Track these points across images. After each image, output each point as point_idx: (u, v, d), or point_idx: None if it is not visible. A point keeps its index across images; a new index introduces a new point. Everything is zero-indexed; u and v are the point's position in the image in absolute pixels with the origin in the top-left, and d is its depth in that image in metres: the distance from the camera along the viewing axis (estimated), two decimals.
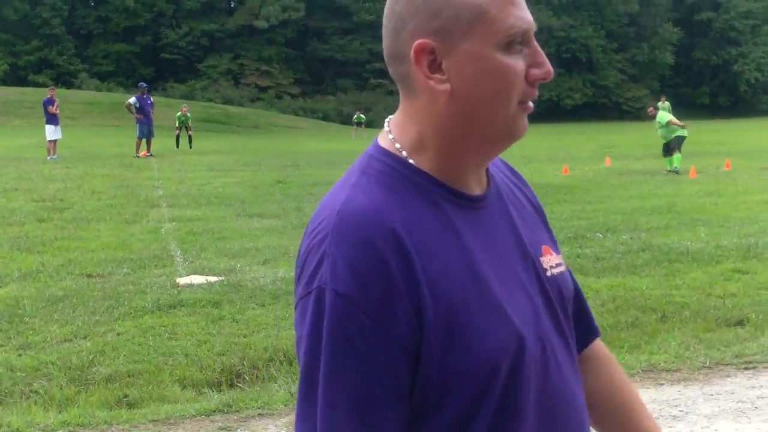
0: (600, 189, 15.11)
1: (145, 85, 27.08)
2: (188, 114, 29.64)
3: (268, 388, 4.99)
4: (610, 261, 8.36)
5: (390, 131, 1.25)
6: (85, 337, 5.96)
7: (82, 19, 67.63)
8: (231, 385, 5.11)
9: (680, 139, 18.58)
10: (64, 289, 7.32)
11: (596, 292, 7.12)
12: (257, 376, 5.22)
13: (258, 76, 68.05)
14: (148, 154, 23.30)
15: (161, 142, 26.74)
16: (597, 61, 77.53)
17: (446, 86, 1.16)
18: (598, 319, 6.00)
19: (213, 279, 7.69)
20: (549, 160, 23.30)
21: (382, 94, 66.42)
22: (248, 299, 6.97)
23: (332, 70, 72.62)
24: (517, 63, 1.15)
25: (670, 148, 18.62)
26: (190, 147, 27.73)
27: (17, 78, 60.43)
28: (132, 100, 24.95)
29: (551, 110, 74.81)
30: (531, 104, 1.20)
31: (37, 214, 11.76)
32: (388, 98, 65.49)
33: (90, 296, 7.08)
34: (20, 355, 5.55)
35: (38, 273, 8.00)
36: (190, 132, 29.06)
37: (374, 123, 62.91)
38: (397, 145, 1.22)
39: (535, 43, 1.17)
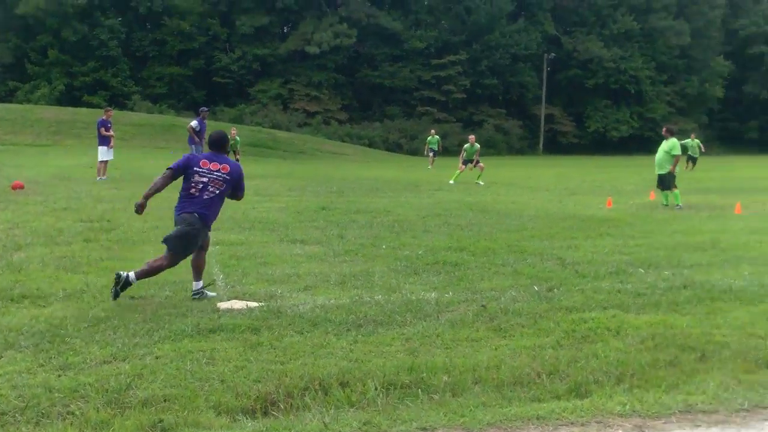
0: (644, 223, 14.98)
1: (206, 109, 27.51)
2: (237, 138, 29.99)
3: (301, 417, 5.02)
4: (651, 297, 8.28)
5: None
6: (124, 360, 6.05)
7: (138, 41, 68.72)
8: (265, 413, 5.15)
9: (673, 177, 18.33)
10: (106, 311, 7.45)
11: (636, 329, 7.05)
12: (292, 405, 5.25)
13: (307, 101, 68.55)
14: None
15: None
16: (645, 93, 76.96)
17: None
18: (637, 356, 5.99)
19: (253, 304, 7.76)
20: (593, 192, 23.18)
21: (428, 122, 66.56)
22: (287, 326, 7.02)
23: (380, 97, 72.92)
24: None
25: (665, 182, 18.37)
26: None
27: (72, 98, 61.52)
28: (194, 123, 25.29)
29: (597, 142, 74.48)
30: None
31: (84, 235, 11.97)
32: (434, 126, 65.64)
33: (131, 318, 7.19)
34: (59, 376, 5.65)
35: (82, 293, 8.14)
36: (238, 156, 29.35)
37: (418, 151, 63.17)
38: None
39: None
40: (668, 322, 7.31)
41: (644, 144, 75.79)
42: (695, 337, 6.83)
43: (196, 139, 24.53)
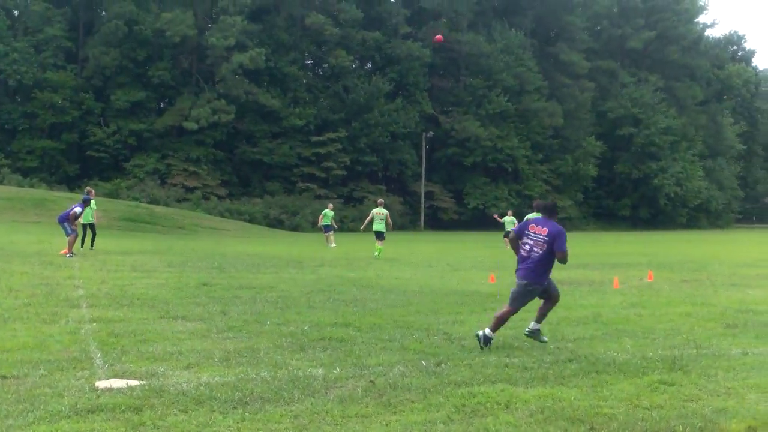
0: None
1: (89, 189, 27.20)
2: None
3: None
4: (538, 371, 8.32)
5: None
6: None
7: (7, 113, 66.90)
8: None
9: None
10: None
11: (525, 402, 7.06)
12: None
13: (185, 176, 67.65)
14: (69, 254, 22.75)
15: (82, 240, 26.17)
16: (522, 171, 79.28)
17: None
18: (527, 430, 5.96)
19: (134, 383, 7.42)
20: (475, 268, 23.47)
21: (309, 198, 66.65)
22: (170, 405, 6.73)
23: (260, 173, 72.66)
24: None
25: None
26: (92, 246, 26.44)
27: None
28: (78, 209, 24.26)
29: (477, 218, 75.99)
30: None
31: None
32: (315, 203, 65.67)
33: (4, 398, 6.77)
34: None
35: None
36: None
37: (299, 227, 63.03)
38: None
39: None
40: (556, 395, 7.34)
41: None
42: (583, 409, 6.87)
43: (73, 225, 23.65)
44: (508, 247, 17.90)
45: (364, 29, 76.14)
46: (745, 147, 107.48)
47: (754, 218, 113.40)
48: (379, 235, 28.39)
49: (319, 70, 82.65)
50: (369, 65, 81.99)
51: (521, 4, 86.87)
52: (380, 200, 32.44)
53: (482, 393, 7.33)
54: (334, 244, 35.36)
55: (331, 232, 36.31)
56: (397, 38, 77.09)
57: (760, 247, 30.18)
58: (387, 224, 28.78)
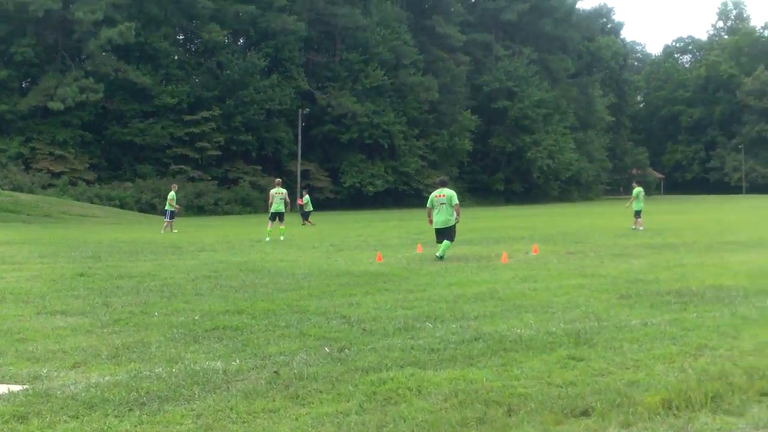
0: (418, 277, 14.99)
1: None
2: None
3: None
4: (445, 352, 8.08)
5: None
6: None
7: None
8: None
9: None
10: None
11: (437, 386, 6.81)
12: None
13: (51, 161, 64.55)
14: None
15: None
16: (399, 148, 79.29)
17: None
18: (445, 416, 5.70)
19: (16, 388, 6.80)
20: (359, 248, 23.23)
21: (183, 180, 64.91)
22: (59, 411, 6.16)
23: (131, 155, 70.11)
24: None
25: (451, 234, 18.87)
26: None
27: None
28: None
29: (354, 197, 75.87)
30: None
31: None
32: (188, 184, 64.17)
33: None
34: None
35: None
36: None
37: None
38: None
39: None
40: (468, 376, 7.12)
41: (399, 198, 78.36)
42: (498, 390, 6.67)
43: None
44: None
45: (238, 2, 74.18)
46: (613, 119, 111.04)
47: (621, 189, 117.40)
48: (280, 217, 27.75)
49: (192, 45, 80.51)
50: (243, 40, 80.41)
51: None
52: (278, 179, 31.45)
53: (392, 378, 7.05)
54: (166, 231, 33.83)
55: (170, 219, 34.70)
56: (272, 11, 75.32)
57: (632, 218, 31.04)
58: (286, 204, 28.17)
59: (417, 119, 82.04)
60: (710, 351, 8.01)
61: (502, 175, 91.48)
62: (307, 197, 41.36)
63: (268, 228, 27.65)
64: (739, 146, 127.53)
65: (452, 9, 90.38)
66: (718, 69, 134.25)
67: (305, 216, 39.77)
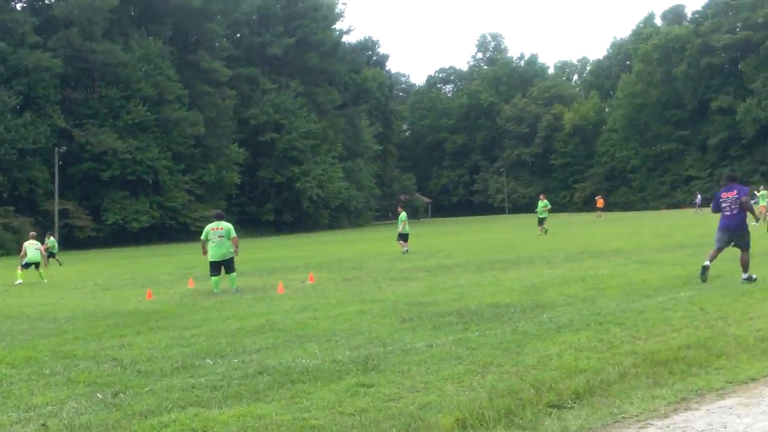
0: (193, 312, 14.40)
1: None
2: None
3: None
4: (229, 389, 7.66)
5: None
6: None
7: None
8: None
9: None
10: None
11: (224, 425, 6.40)
12: None
13: None
14: None
15: None
16: (164, 183, 77.29)
17: None
18: None
19: None
20: (127, 286, 22.23)
21: None
22: None
23: None
24: None
25: (231, 266, 18.70)
26: None
27: None
28: None
29: (117, 234, 73.06)
30: None
31: None
32: None
33: None
34: None
35: None
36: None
37: None
38: None
39: None
40: (255, 412, 6.75)
41: (166, 233, 76.31)
42: (288, 424, 6.37)
43: None
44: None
45: None
46: (381, 147, 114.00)
47: (390, 215, 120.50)
48: (36, 266, 26.11)
49: None
50: None
51: (159, 11, 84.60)
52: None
53: (174, 421, 6.58)
54: None
55: None
56: (24, 48, 71.48)
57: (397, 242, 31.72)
58: (42, 254, 26.61)
59: (183, 154, 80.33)
60: (496, 368, 8.04)
61: (272, 206, 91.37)
62: (52, 239, 39.72)
63: (19, 271, 25.97)
64: (501, 169, 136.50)
65: (217, 44, 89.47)
66: (479, 97, 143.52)
67: (52, 256, 38.03)
